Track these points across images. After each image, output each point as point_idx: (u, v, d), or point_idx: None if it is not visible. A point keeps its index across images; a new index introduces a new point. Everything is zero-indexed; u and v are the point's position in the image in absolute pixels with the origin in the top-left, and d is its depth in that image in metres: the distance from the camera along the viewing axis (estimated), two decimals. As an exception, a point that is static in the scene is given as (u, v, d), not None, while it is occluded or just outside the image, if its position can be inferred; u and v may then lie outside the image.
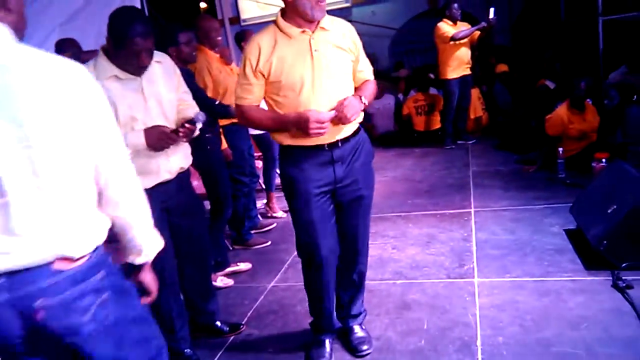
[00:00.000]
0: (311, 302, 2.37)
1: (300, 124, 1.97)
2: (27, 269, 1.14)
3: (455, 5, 6.10)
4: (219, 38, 3.55)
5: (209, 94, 3.30)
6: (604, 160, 4.05)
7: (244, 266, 3.49)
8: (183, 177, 2.31)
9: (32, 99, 1.10)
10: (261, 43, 1.98)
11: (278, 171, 4.41)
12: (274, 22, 2.04)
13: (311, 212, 2.11)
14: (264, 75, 2.00)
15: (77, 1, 4.92)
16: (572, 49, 6.73)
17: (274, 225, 4.20)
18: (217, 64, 3.49)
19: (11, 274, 1.13)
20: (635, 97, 4.60)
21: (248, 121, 2.12)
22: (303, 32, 1.98)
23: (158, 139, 2.07)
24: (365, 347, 2.34)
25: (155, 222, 1.46)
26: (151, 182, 2.12)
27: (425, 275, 3.01)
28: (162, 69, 2.21)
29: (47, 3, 4.42)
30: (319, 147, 2.06)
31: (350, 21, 2.23)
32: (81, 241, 1.21)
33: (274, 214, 4.50)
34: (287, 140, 2.09)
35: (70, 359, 1.27)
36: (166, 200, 2.22)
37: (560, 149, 4.48)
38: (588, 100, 4.81)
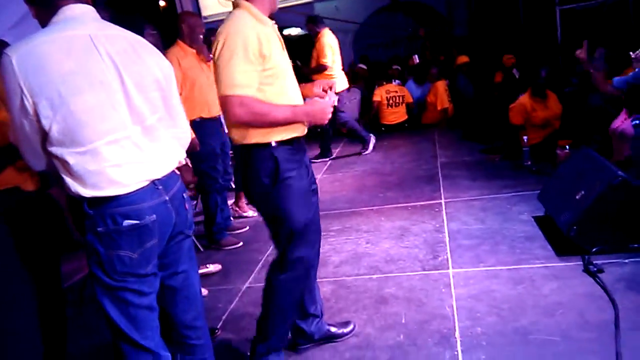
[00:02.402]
0: (283, 321, 2.14)
1: (316, 112, 1.91)
2: (169, 176, 1.63)
3: None
4: (201, 36, 3.54)
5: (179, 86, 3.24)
6: (567, 147, 4.14)
7: (213, 268, 3.39)
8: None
9: (150, 57, 1.61)
10: (254, 26, 1.82)
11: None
12: (238, 7, 1.89)
13: (311, 213, 2.00)
14: (264, 60, 1.82)
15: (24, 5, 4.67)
16: (531, 39, 6.88)
17: (246, 228, 4.11)
18: (191, 58, 3.49)
19: (162, 179, 1.59)
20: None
21: (254, 114, 1.82)
22: (272, 21, 1.92)
23: None
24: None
25: None
26: None
27: (400, 268, 2.99)
28: None
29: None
30: (299, 139, 1.99)
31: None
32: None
33: (243, 214, 4.42)
34: (280, 134, 1.90)
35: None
36: None
37: (525, 137, 4.56)
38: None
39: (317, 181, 2.20)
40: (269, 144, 1.90)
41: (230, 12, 1.91)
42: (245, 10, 1.88)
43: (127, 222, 1.48)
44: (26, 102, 1.36)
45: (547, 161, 4.36)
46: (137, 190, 1.51)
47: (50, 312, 1.80)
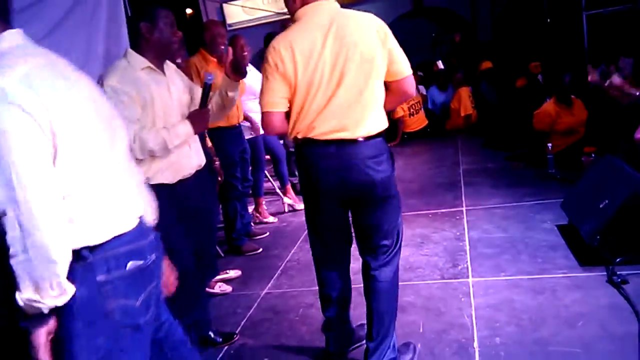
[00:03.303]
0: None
1: None
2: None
3: None
4: (222, 46, 3.56)
5: None
6: (593, 154, 4.06)
7: (233, 273, 3.43)
8: (200, 174, 2.30)
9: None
10: None
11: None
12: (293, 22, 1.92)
13: None
14: None
15: (58, 13, 4.83)
16: (556, 44, 6.75)
17: (266, 234, 4.15)
18: (212, 67, 3.52)
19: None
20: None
21: None
22: None
23: (201, 120, 2.13)
24: None
25: (172, 220, 1.83)
26: (175, 177, 2.15)
27: (419, 276, 2.98)
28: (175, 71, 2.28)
29: (27, 18, 4.32)
30: None
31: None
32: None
33: (264, 219, 4.46)
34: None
35: None
36: (187, 198, 2.21)
37: (549, 145, 4.49)
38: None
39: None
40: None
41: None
42: None
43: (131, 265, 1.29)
44: None
45: (572, 169, 4.28)
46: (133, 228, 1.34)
47: None
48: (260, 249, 3.81)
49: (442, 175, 4.95)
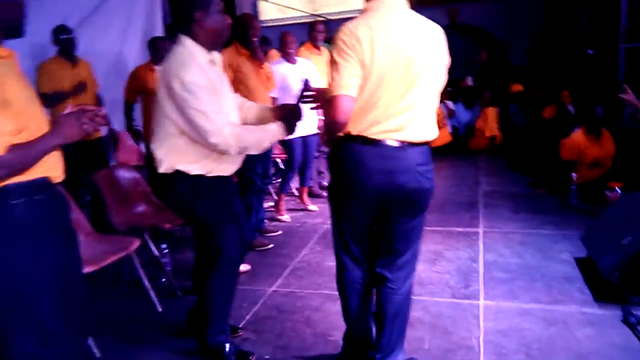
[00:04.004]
0: None
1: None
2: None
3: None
4: (255, 38, 3.58)
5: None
6: (618, 189, 3.98)
7: (242, 267, 3.41)
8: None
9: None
10: None
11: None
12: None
13: None
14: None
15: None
16: (591, 75, 6.65)
17: (279, 232, 4.14)
18: (243, 60, 3.55)
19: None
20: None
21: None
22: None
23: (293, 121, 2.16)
24: None
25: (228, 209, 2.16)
26: (230, 170, 2.22)
27: (429, 292, 2.93)
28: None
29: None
30: None
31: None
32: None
33: (280, 217, 4.46)
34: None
35: None
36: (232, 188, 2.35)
37: (574, 175, 4.41)
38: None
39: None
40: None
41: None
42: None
43: None
44: None
45: (595, 202, 4.20)
46: None
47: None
48: (271, 245, 3.80)
49: (461, 194, 4.89)
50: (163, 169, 2.09)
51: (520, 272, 3.13)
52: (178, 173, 2.08)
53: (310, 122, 4.26)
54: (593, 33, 7.29)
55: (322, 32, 4.85)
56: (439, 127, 2.02)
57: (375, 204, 1.89)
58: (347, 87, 1.73)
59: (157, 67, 4.18)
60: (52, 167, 1.59)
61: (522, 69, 8.47)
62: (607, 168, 4.58)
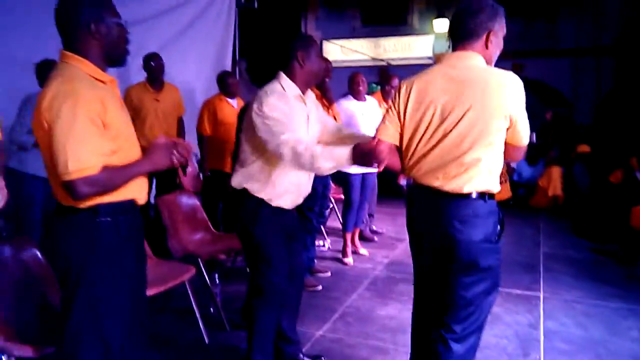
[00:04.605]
0: None
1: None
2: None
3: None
4: (327, 79, 3.71)
5: None
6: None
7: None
8: None
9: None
10: None
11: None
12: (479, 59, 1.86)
13: None
14: None
15: (183, 22, 5.16)
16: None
17: (328, 274, 4.07)
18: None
19: None
20: None
21: None
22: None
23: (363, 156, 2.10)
24: None
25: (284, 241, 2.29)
26: (290, 203, 2.32)
27: (485, 357, 2.76)
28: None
29: (147, 27, 4.63)
30: None
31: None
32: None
33: (345, 259, 4.40)
34: None
35: None
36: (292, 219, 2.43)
37: (645, 246, 4.14)
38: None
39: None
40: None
41: None
42: None
43: None
44: None
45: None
46: None
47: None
48: (320, 286, 3.74)
49: (520, 254, 4.68)
50: (235, 184, 2.27)
51: (584, 346, 2.91)
52: (245, 191, 2.24)
53: None
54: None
55: (396, 87, 4.84)
56: (500, 182, 1.91)
57: (426, 250, 1.95)
58: (380, 131, 1.96)
59: (229, 100, 4.32)
60: (138, 190, 1.67)
61: (588, 129, 8.21)
62: (682, 242, 4.28)
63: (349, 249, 4.46)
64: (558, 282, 3.95)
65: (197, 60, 5.47)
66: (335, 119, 3.84)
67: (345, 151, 1.96)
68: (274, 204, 2.25)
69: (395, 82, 4.81)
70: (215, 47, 5.86)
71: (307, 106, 2.28)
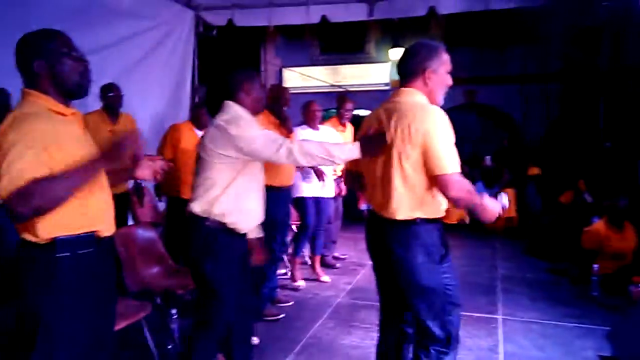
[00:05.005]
0: None
1: None
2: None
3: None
4: (285, 108, 3.77)
5: None
6: (643, 285, 3.85)
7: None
8: None
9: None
10: None
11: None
12: (416, 95, 2.06)
13: None
14: None
15: (141, 51, 5.12)
16: (610, 165, 6.67)
17: (291, 303, 4.03)
18: (273, 128, 3.61)
19: None
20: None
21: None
22: None
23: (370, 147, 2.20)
24: None
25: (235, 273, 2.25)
26: (250, 224, 2.35)
27: (447, 383, 2.78)
28: None
29: (105, 55, 4.56)
30: None
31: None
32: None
33: (295, 284, 4.38)
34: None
35: None
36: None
37: (596, 266, 4.30)
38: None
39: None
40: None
41: None
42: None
43: None
44: None
45: (617, 294, 4.06)
46: None
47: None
48: (282, 315, 3.69)
49: (478, 276, 4.77)
50: (192, 209, 2.23)
51: (543, 368, 2.98)
52: (200, 217, 2.21)
53: (325, 185, 4.30)
54: (611, 123, 7.40)
55: (350, 110, 4.95)
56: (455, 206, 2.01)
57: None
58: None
59: (196, 130, 4.26)
60: (100, 221, 1.61)
61: (538, 151, 8.56)
62: (629, 261, 4.47)
63: (298, 273, 4.45)
64: (516, 304, 4.05)
65: (156, 88, 5.41)
66: None
67: (352, 144, 2.10)
68: (233, 226, 2.24)
69: (349, 105, 4.92)
70: (175, 74, 5.83)
71: None
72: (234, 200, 2.22)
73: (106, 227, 1.66)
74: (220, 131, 2.18)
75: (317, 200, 4.34)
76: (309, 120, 4.32)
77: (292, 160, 2.10)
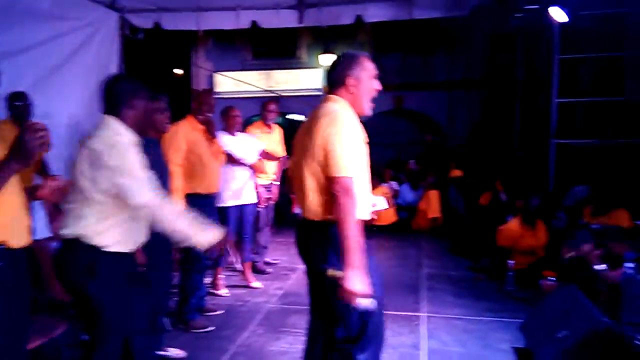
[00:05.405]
0: None
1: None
2: None
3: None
4: (209, 114, 3.71)
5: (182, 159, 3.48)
6: (552, 278, 4.15)
7: (174, 353, 3.19)
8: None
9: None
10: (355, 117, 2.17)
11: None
12: (337, 103, 2.15)
13: None
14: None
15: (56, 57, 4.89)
16: (524, 166, 7.14)
17: (221, 312, 3.98)
18: (197, 133, 3.62)
19: None
20: (581, 221, 4.84)
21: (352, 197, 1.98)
22: None
23: None
24: None
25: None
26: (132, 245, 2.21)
27: (372, 383, 2.85)
28: None
29: (21, 61, 4.33)
30: None
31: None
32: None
33: (217, 292, 4.34)
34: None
35: None
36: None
37: (511, 262, 4.58)
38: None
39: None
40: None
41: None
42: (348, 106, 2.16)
43: None
44: None
45: (530, 288, 4.35)
46: None
47: None
48: (211, 327, 3.63)
49: (404, 276, 4.94)
50: (68, 232, 2.09)
51: (463, 362, 3.13)
52: (79, 241, 2.05)
53: (247, 191, 4.29)
54: (525, 128, 7.92)
55: (273, 111, 4.98)
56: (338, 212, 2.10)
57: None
58: None
59: None
60: (8, 231, 1.52)
61: (461, 154, 9.00)
62: (541, 256, 4.80)
63: (220, 282, 4.42)
64: (439, 301, 4.23)
65: (77, 92, 5.17)
66: (219, 153, 3.82)
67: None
68: (115, 249, 2.10)
69: (271, 107, 4.97)
70: (97, 78, 5.58)
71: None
72: (111, 220, 2.08)
73: (17, 238, 1.57)
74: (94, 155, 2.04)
75: (240, 208, 4.33)
76: (228, 126, 4.30)
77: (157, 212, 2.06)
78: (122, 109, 2.14)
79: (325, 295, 2.14)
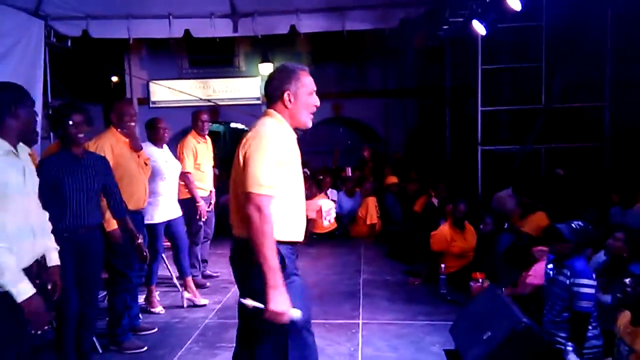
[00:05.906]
0: None
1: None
2: None
3: None
4: (132, 124, 3.59)
5: None
6: (480, 280, 4.35)
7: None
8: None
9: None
10: (288, 133, 2.15)
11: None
12: (271, 117, 2.15)
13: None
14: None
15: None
16: (454, 172, 7.47)
17: (155, 330, 3.88)
18: (122, 146, 3.54)
19: None
20: (506, 224, 5.11)
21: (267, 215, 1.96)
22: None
23: None
24: None
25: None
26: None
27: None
28: None
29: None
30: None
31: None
32: None
33: (153, 309, 4.23)
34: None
35: None
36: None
37: (442, 265, 4.76)
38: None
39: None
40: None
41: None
42: (282, 118, 2.16)
43: None
44: None
45: (462, 290, 4.53)
46: None
47: None
48: (145, 347, 3.53)
49: (343, 283, 5.02)
50: None
51: (396, 367, 3.23)
52: None
53: (173, 206, 4.26)
54: (456, 135, 8.29)
55: (207, 120, 4.94)
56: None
57: None
58: None
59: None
60: None
61: (398, 161, 9.27)
62: (471, 258, 5.02)
63: (155, 299, 4.33)
64: (375, 307, 4.33)
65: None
66: (146, 164, 3.73)
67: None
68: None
69: (204, 116, 4.95)
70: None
71: (21, 159, 2.11)
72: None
73: None
74: None
75: (168, 224, 4.25)
76: (156, 138, 4.20)
77: None
78: (5, 118, 2.05)
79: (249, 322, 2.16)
